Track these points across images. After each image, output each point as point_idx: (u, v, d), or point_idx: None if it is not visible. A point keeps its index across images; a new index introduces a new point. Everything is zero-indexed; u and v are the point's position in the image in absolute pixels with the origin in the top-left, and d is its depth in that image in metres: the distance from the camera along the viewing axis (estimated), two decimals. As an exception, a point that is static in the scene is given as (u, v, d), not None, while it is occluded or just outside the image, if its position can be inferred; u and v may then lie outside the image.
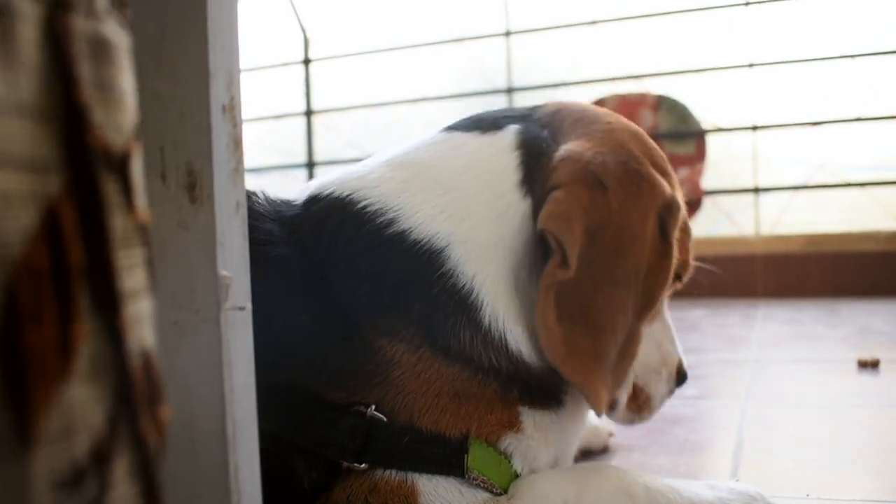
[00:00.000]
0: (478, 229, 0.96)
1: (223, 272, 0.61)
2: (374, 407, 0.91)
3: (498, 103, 4.40)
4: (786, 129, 3.90)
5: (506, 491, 0.96)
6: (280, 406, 0.90)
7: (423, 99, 4.53)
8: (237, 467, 0.62)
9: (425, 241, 0.95)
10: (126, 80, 0.37)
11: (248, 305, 0.64)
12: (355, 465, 0.90)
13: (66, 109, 0.32)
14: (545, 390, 0.99)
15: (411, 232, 0.96)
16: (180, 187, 0.62)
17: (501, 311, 0.95)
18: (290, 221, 1.00)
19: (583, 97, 4.17)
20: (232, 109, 0.63)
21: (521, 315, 0.96)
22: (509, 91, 4.37)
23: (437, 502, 0.91)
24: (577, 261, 0.93)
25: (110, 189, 0.35)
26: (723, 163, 3.98)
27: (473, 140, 1.04)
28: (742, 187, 3.92)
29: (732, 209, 3.83)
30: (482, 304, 0.94)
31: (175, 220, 0.62)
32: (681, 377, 1.18)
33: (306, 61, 4.82)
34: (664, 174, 1.04)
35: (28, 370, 0.29)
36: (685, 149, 3.98)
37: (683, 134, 3.99)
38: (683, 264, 1.12)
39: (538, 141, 1.01)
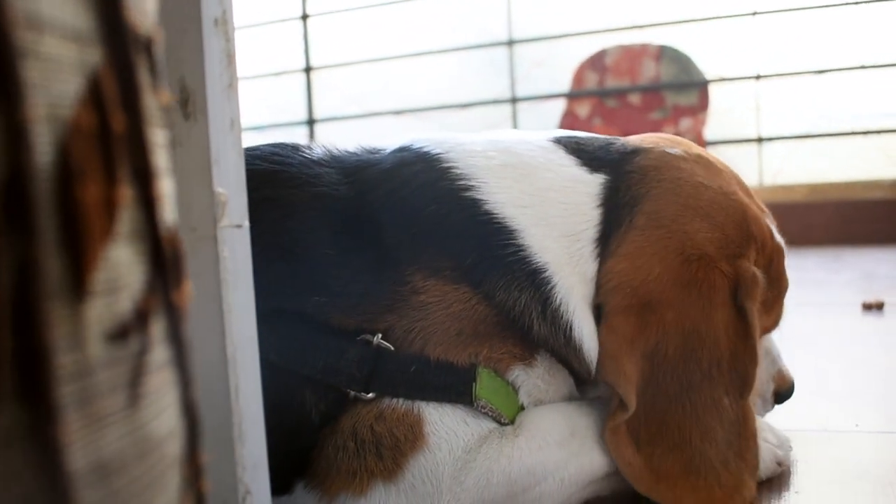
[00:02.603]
0: (555, 245, 0.97)
1: (219, 189, 0.60)
2: (381, 335, 0.91)
3: (499, 56, 4.37)
4: (789, 78, 3.87)
5: (513, 422, 0.96)
6: (289, 335, 0.90)
7: (423, 53, 4.49)
8: (238, 388, 0.61)
9: (500, 216, 0.96)
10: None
11: (246, 223, 0.62)
12: (362, 394, 0.90)
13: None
14: (581, 378, 1.00)
15: (487, 204, 0.97)
16: (173, 104, 0.61)
17: (573, 303, 0.96)
18: (351, 166, 1.01)
19: (585, 48, 4.13)
20: (224, 23, 0.62)
21: (592, 328, 0.97)
22: (510, 43, 4.33)
23: (442, 431, 0.91)
24: (637, 395, 0.94)
25: (142, 67, 0.37)
26: (726, 113, 3.96)
27: (572, 168, 1.04)
28: (745, 137, 3.90)
29: (736, 159, 3.81)
30: (554, 286, 0.95)
31: (168, 136, 0.61)
32: (781, 397, 1.16)
33: (304, 17, 4.77)
34: (744, 246, 1.01)
35: (80, 223, 0.31)
36: (688, 99, 3.95)
37: (686, 84, 3.95)
38: (778, 318, 1.12)
39: (618, 208, 1.01)
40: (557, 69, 4.23)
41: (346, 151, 1.06)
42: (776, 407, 1.17)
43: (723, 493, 0.94)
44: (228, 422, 0.61)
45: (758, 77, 3.86)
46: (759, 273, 1.01)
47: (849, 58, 3.76)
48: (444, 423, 0.91)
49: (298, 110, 4.82)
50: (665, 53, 4.00)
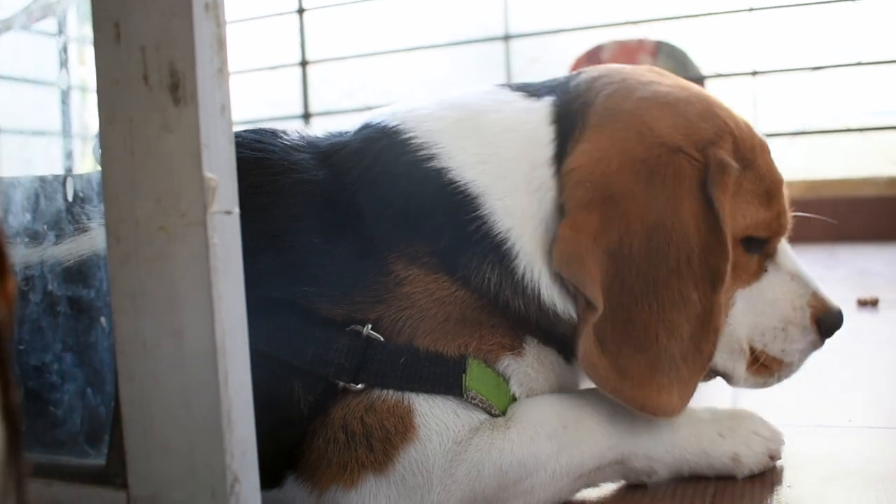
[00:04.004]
0: (514, 195, 0.97)
1: (209, 175, 0.60)
2: (370, 326, 0.90)
3: (495, 51, 4.36)
4: (785, 75, 3.87)
5: (504, 413, 0.95)
6: (278, 324, 0.90)
7: (419, 47, 4.48)
8: (227, 376, 0.61)
9: (462, 184, 0.96)
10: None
11: (236, 210, 0.62)
12: (352, 385, 0.89)
13: None
14: (565, 342, 0.99)
15: (449, 171, 0.97)
16: (163, 88, 0.60)
17: (537, 268, 0.95)
18: (325, 150, 1.01)
19: (581, 44, 4.13)
20: (215, 8, 0.61)
21: (557, 280, 0.95)
22: (506, 38, 4.32)
23: (432, 423, 0.90)
24: (603, 293, 0.91)
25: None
26: (722, 109, 3.95)
27: (518, 101, 1.04)
28: (741, 133, 3.90)
29: (731, 155, 3.80)
30: (517, 255, 0.95)
31: (158, 122, 0.61)
32: (827, 325, 1.07)
33: (300, 10, 4.75)
34: (713, 135, 0.98)
35: None
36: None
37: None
38: (776, 218, 1.04)
39: (570, 117, 1.00)
40: (553, 65, 4.21)
41: (317, 136, 1.06)
42: (752, 405, 1.13)
43: (678, 389, 0.93)
44: (217, 409, 0.61)
45: (754, 73, 3.86)
46: (730, 160, 0.97)
47: (845, 55, 3.75)
48: (434, 415, 0.90)
49: (294, 104, 4.80)
50: (661, 49, 3.99)
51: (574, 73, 1.08)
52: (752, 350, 1.05)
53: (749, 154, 1.01)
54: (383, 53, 4.56)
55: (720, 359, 1.04)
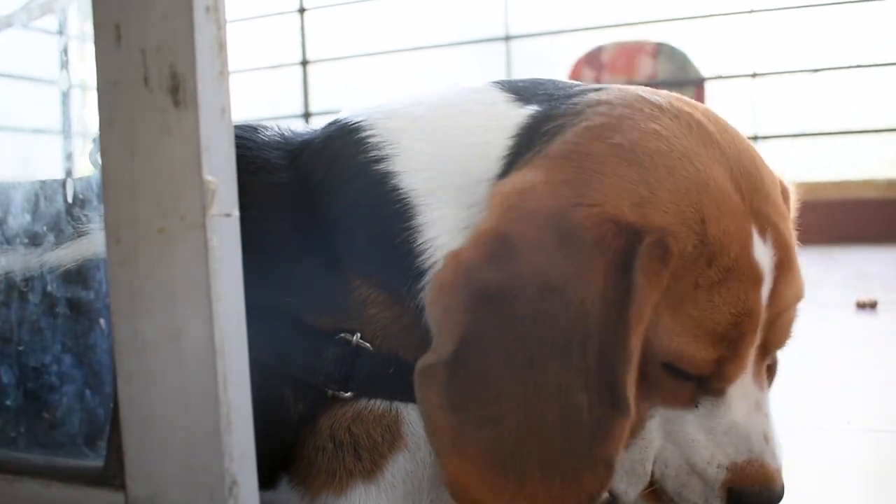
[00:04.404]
0: (449, 208, 0.88)
1: (208, 177, 0.59)
2: (359, 335, 0.89)
3: (495, 51, 4.36)
4: (785, 77, 3.87)
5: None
6: (267, 331, 0.89)
7: (420, 48, 4.48)
8: (226, 378, 0.61)
9: (403, 190, 0.89)
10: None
11: (235, 212, 0.62)
12: (341, 392, 0.89)
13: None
14: None
15: (395, 176, 0.90)
16: (164, 91, 0.60)
17: None
18: (295, 149, 0.97)
19: (581, 45, 4.13)
20: (216, 10, 0.61)
21: None
22: (507, 39, 4.33)
23: (420, 432, 0.89)
24: (464, 342, 0.77)
25: None
26: (722, 110, 3.95)
27: (498, 105, 0.93)
28: (741, 135, 3.90)
29: (731, 157, 3.81)
30: (427, 273, 0.87)
31: (159, 124, 0.60)
32: (740, 500, 0.84)
33: (301, 10, 4.76)
34: (672, 220, 0.78)
35: None
36: (684, 96, 3.94)
37: (682, 81, 3.94)
38: (717, 363, 0.82)
39: (536, 136, 0.88)
40: (554, 66, 4.22)
41: (292, 133, 1.00)
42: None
43: (513, 498, 0.76)
44: (216, 411, 0.61)
45: (754, 75, 3.86)
46: (674, 249, 0.77)
47: (845, 57, 3.76)
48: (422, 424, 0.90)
49: (295, 104, 4.80)
50: (662, 51, 3.99)
51: (594, 87, 0.94)
52: (652, 473, 0.87)
53: (719, 269, 0.79)
54: (384, 53, 4.56)
55: (616, 476, 0.84)
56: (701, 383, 0.84)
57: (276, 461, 0.91)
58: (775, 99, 3.88)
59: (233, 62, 0.64)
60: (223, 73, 0.62)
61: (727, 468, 0.84)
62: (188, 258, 0.60)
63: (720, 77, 3.95)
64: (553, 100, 0.92)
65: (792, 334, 0.89)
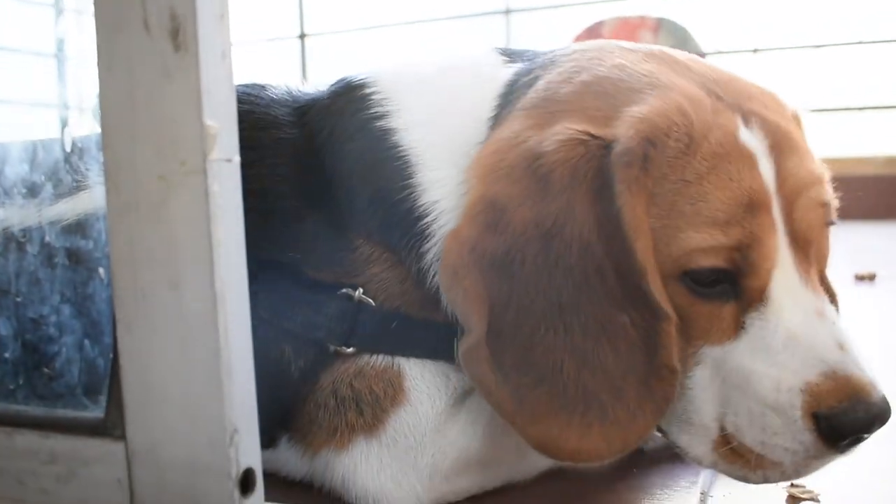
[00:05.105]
0: (446, 168, 0.89)
1: (209, 122, 0.59)
2: (361, 290, 0.89)
3: (495, 25, 4.34)
4: (786, 53, 3.86)
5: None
6: (269, 286, 0.88)
7: (419, 21, 4.45)
8: (227, 325, 0.60)
9: (403, 147, 0.90)
10: None
11: (236, 157, 0.61)
12: (343, 348, 0.89)
13: None
14: None
15: (395, 133, 0.91)
16: (163, 34, 0.59)
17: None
18: (303, 105, 0.98)
19: (583, 19, 4.11)
20: (217, -48, 0.60)
21: None
22: (507, 12, 4.30)
23: (422, 386, 0.89)
24: (495, 314, 0.78)
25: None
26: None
27: (492, 67, 0.95)
28: (741, 111, 3.89)
29: (731, 132, 3.80)
30: (431, 237, 0.88)
31: (158, 68, 0.60)
32: (834, 426, 0.75)
33: (299, -17, 4.73)
34: (638, 120, 0.78)
35: None
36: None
37: (682, 57, 3.93)
38: (740, 246, 0.77)
39: (514, 92, 0.90)
40: (554, 40, 4.20)
41: (299, 91, 1.02)
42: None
43: (602, 430, 0.76)
44: (217, 359, 0.61)
45: (755, 51, 3.85)
46: (645, 148, 0.77)
47: (846, 33, 3.74)
48: (424, 378, 0.89)
49: (292, 77, 4.78)
50: (663, 26, 3.98)
51: (567, 45, 0.98)
52: (723, 429, 0.80)
53: (704, 157, 0.78)
54: (383, 27, 4.53)
55: (673, 429, 0.83)
56: (738, 297, 0.79)
57: (275, 420, 0.91)
58: (776, 74, 3.87)
59: (230, 35, 0.63)
60: (223, 16, 0.61)
61: (801, 390, 0.75)
62: (189, 204, 0.60)
63: (721, 52, 3.94)
64: (536, 57, 0.94)
65: (829, 239, 0.87)
